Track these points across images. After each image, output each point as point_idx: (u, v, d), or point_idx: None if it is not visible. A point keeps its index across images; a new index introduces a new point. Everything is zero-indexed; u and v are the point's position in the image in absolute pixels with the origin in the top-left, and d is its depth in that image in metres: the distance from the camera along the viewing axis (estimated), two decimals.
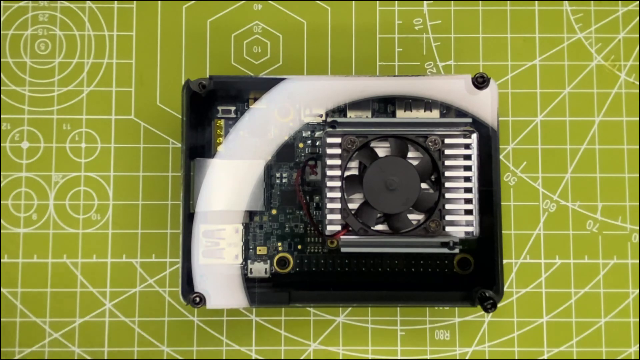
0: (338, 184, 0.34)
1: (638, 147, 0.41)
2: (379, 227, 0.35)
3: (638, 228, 0.41)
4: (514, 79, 0.42)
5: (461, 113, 0.35)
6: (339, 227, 0.34)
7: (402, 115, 0.37)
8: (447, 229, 0.34)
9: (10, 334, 0.40)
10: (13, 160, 0.41)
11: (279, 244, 0.37)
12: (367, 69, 0.42)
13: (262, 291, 0.36)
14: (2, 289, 0.40)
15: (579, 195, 0.41)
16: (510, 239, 0.41)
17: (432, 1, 0.42)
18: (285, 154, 0.37)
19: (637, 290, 0.40)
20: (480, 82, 0.35)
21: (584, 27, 0.42)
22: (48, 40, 0.42)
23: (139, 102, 0.41)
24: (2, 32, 0.42)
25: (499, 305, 0.40)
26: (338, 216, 0.34)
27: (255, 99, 0.37)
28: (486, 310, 0.34)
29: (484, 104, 0.35)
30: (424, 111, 0.37)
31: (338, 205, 0.34)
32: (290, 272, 0.37)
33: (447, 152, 0.34)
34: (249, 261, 0.37)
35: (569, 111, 0.42)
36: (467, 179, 0.34)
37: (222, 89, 0.36)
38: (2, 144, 0.41)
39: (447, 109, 0.37)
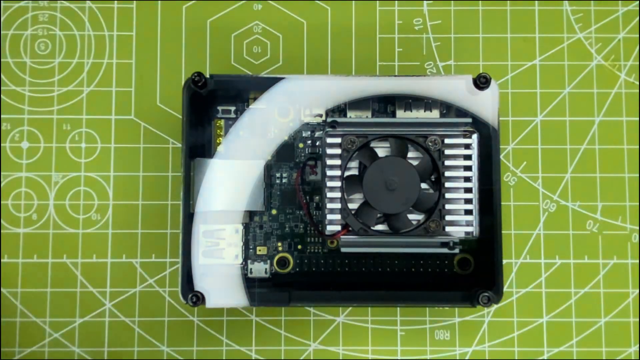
0: (338, 184, 0.34)
1: (638, 147, 0.41)
2: (379, 227, 0.35)
3: (638, 228, 0.41)
4: (514, 79, 0.42)
5: (461, 113, 0.35)
6: (339, 227, 0.34)
7: (402, 115, 0.37)
8: (447, 229, 0.34)
9: (10, 334, 0.40)
10: (13, 160, 0.41)
11: (279, 244, 0.37)
12: (367, 69, 0.42)
13: (262, 291, 0.36)
14: (2, 289, 0.40)
15: (579, 195, 0.41)
16: (510, 239, 0.41)
17: (432, 1, 0.42)
18: (285, 154, 0.37)
19: (637, 290, 0.40)
20: (483, 82, 0.35)
21: (584, 27, 0.42)
22: (48, 40, 0.42)
23: (139, 102, 0.41)
24: (2, 32, 0.42)
25: (499, 305, 0.40)
26: (338, 216, 0.34)
27: (255, 99, 0.37)
28: (484, 304, 0.34)
29: (485, 104, 0.35)
30: (424, 111, 0.37)
31: (338, 205, 0.34)
32: (290, 272, 0.37)
33: (447, 152, 0.34)
34: (249, 261, 0.37)
35: (569, 111, 0.42)
36: (467, 179, 0.34)
37: (222, 89, 0.36)
38: (2, 144, 0.41)
39: (447, 109, 0.37)
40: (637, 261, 0.41)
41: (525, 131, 0.41)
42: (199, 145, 0.37)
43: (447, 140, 0.34)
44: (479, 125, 0.35)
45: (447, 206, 0.34)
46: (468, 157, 0.34)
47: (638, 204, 0.41)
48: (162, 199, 0.41)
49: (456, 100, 0.35)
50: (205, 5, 0.42)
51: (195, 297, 0.34)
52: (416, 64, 0.42)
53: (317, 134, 0.37)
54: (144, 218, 0.41)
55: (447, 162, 0.34)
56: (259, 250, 0.37)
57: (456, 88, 0.35)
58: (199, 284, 0.35)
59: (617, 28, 0.42)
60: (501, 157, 0.39)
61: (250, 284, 0.36)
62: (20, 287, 0.40)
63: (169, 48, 0.42)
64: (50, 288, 0.40)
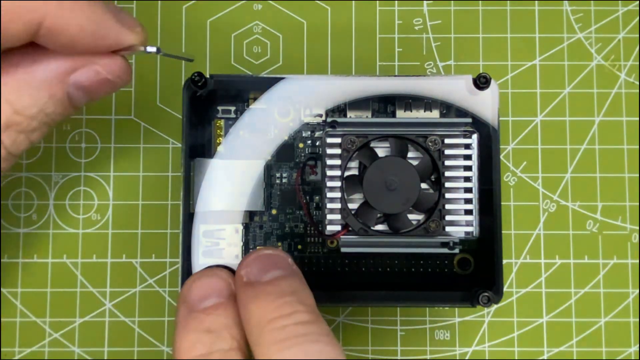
0: (338, 184, 0.34)
1: (638, 147, 0.41)
2: (379, 227, 0.35)
3: (638, 228, 0.41)
4: (514, 79, 0.42)
5: (461, 113, 0.35)
6: (339, 227, 0.34)
7: (402, 115, 0.37)
8: (447, 229, 0.34)
9: (10, 334, 0.40)
10: None
11: (279, 244, 0.37)
12: (367, 69, 0.42)
13: None
14: (2, 289, 0.40)
15: (579, 195, 0.41)
16: (510, 239, 0.41)
17: (432, 1, 0.42)
18: (285, 154, 0.37)
19: (637, 290, 0.40)
20: (483, 82, 0.35)
21: (584, 27, 0.42)
22: None
23: (139, 102, 0.41)
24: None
25: (499, 305, 0.40)
26: (338, 216, 0.34)
27: (255, 99, 0.37)
28: (483, 304, 0.34)
29: (485, 104, 0.35)
30: (424, 111, 0.37)
31: (338, 205, 0.34)
32: None
33: (447, 152, 0.34)
34: None
35: (569, 111, 0.42)
36: (467, 179, 0.34)
37: (222, 89, 0.36)
38: None
39: (447, 109, 0.37)
40: (637, 261, 0.41)
41: (525, 131, 0.41)
42: (199, 145, 0.37)
43: (447, 140, 0.34)
44: (479, 125, 0.35)
45: (447, 206, 0.34)
46: (468, 157, 0.34)
47: (638, 204, 0.41)
48: (162, 199, 0.41)
49: (456, 100, 0.35)
50: (205, 5, 0.42)
51: None
52: (416, 64, 0.42)
53: (317, 134, 0.37)
54: (144, 218, 0.41)
55: (447, 162, 0.34)
56: None
57: (456, 88, 0.35)
58: None
59: (617, 28, 0.42)
60: (501, 157, 0.39)
61: None
62: (20, 287, 0.40)
63: (169, 48, 0.42)
64: (50, 288, 0.40)
